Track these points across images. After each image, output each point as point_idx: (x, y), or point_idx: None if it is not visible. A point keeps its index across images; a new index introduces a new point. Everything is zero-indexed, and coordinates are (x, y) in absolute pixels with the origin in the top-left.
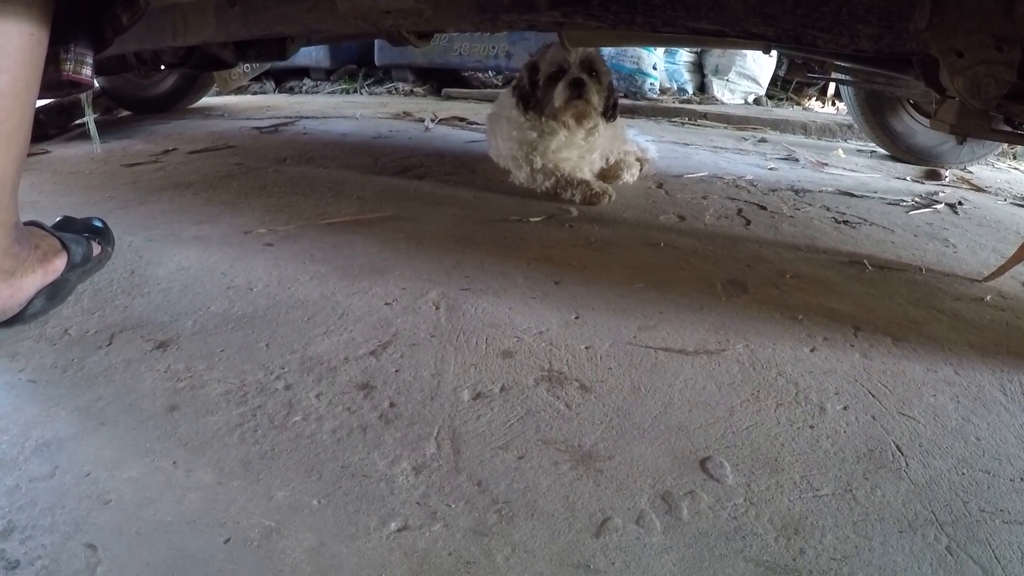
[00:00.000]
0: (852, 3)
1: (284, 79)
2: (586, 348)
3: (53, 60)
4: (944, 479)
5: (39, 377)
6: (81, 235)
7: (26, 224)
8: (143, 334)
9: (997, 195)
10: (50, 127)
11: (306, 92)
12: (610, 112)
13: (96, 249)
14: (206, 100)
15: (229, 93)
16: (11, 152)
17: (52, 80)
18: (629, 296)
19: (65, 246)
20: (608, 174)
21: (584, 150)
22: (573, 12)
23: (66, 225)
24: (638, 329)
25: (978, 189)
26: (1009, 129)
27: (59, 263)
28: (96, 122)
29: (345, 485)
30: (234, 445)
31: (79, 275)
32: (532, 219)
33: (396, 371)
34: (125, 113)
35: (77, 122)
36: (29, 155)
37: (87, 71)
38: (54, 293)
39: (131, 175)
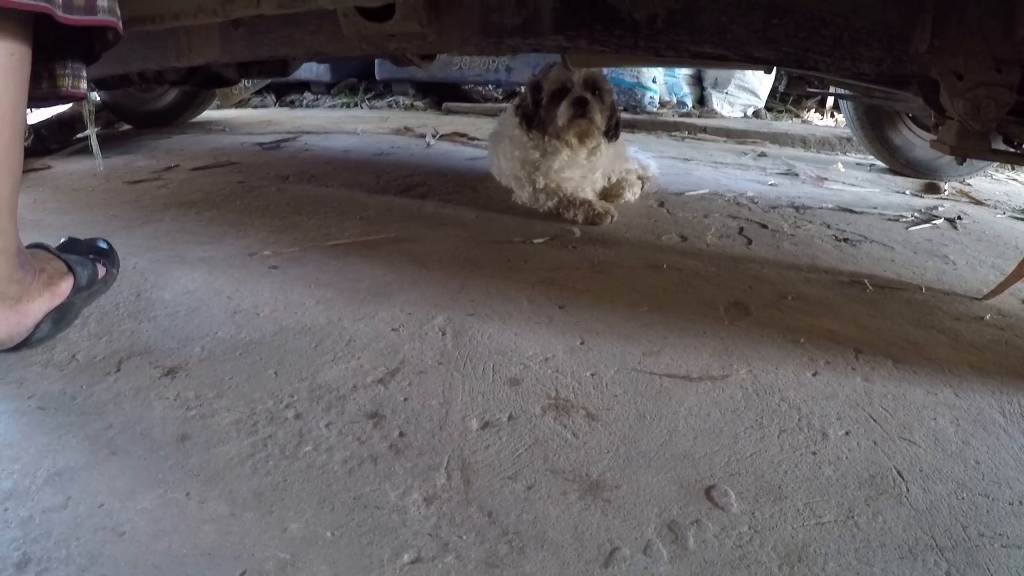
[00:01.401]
0: (853, 27)
1: (285, 92)
2: (592, 375)
3: (49, 76)
4: (944, 504)
5: (48, 404)
6: (86, 257)
7: (31, 247)
8: (151, 360)
9: (996, 208)
10: (51, 141)
11: (307, 106)
12: (612, 131)
13: (102, 271)
14: (207, 114)
15: (230, 107)
16: (4, 176)
17: (49, 94)
18: (633, 320)
19: (71, 268)
20: (610, 193)
21: (586, 169)
22: (577, 36)
23: (71, 246)
24: (643, 355)
25: (977, 202)
26: (1009, 149)
27: (65, 286)
28: (97, 136)
29: (358, 516)
30: (246, 476)
31: (85, 298)
32: (535, 240)
33: (405, 400)
34: (126, 127)
35: (78, 136)
36: (31, 170)
37: (83, 84)
38: (60, 317)
39: (134, 193)
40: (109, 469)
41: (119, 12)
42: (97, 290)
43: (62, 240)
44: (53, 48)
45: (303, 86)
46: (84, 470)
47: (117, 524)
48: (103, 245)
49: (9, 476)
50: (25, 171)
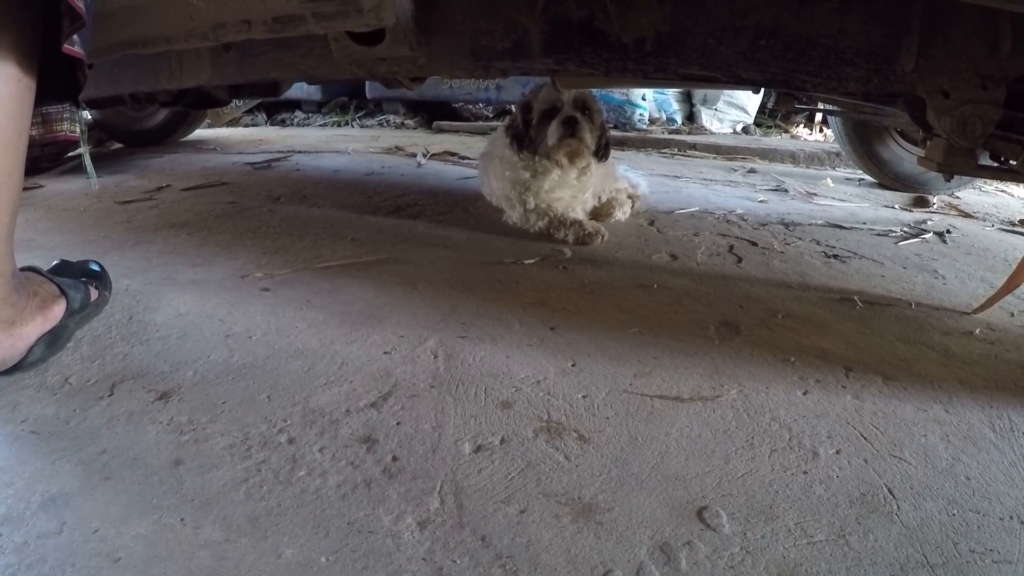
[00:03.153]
0: (840, 47)
1: (276, 111)
2: (583, 397)
3: (43, 120)
4: (935, 521)
5: (41, 428)
6: (79, 280)
7: (24, 270)
8: (144, 384)
9: (985, 221)
10: (43, 160)
11: (297, 124)
12: (602, 151)
13: (94, 294)
14: (198, 133)
15: (221, 126)
16: (4, 199)
17: (44, 140)
18: (624, 341)
19: (63, 292)
20: (600, 213)
21: (577, 189)
22: (566, 59)
23: (63, 269)
24: (634, 376)
25: (966, 215)
26: (995, 164)
27: (58, 310)
28: (89, 155)
29: (352, 542)
30: (240, 501)
31: (78, 321)
32: (526, 261)
33: (397, 424)
34: (117, 146)
35: (70, 155)
36: (23, 189)
37: (77, 127)
38: (53, 340)
39: (125, 213)
40: (104, 494)
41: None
42: (90, 313)
43: (54, 263)
44: (48, 92)
45: (294, 105)
46: (78, 495)
47: (112, 550)
48: (95, 268)
49: (3, 501)
50: None
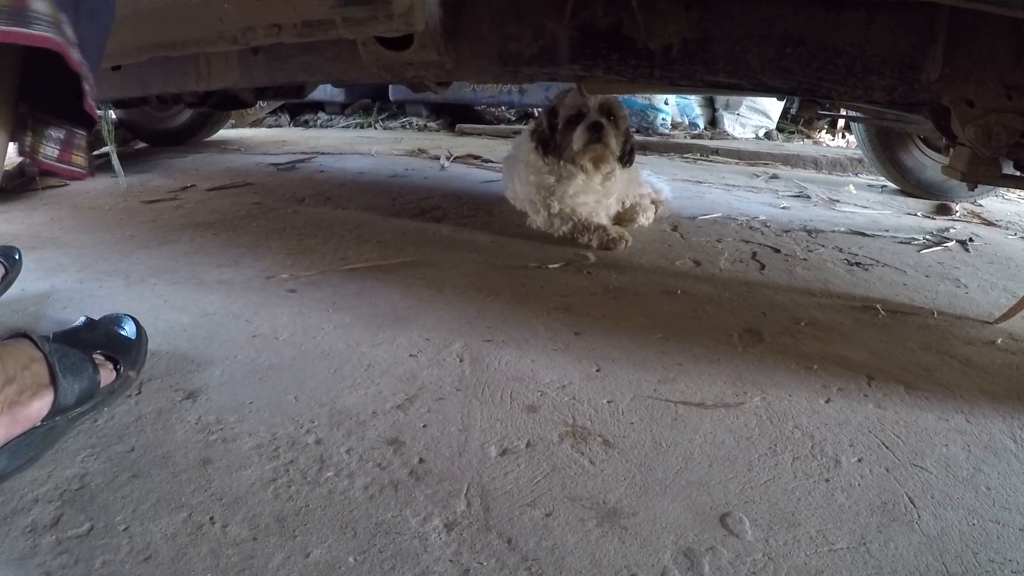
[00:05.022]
0: (866, 56)
1: (299, 112)
2: (608, 402)
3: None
4: (955, 530)
5: (70, 426)
6: (88, 357)
7: (12, 338)
8: (172, 383)
9: (1007, 229)
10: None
11: (321, 126)
12: (627, 157)
13: (108, 377)
14: (222, 133)
15: (245, 126)
16: None
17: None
18: (648, 347)
19: (55, 380)
20: (624, 218)
21: (601, 195)
22: (593, 66)
23: (82, 335)
24: (658, 382)
25: (988, 223)
26: (1020, 174)
27: (38, 407)
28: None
29: (379, 543)
30: (268, 501)
31: (71, 419)
32: (551, 265)
33: (424, 426)
34: (141, 145)
35: (96, 153)
36: (49, 188)
37: (82, 160)
38: (21, 449)
39: (151, 212)
40: (132, 492)
41: (70, 35)
42: (99, 402)
43: (78, 322)
44: (55, 114)
45: (317, 106)
46: (107, 493)
47: (141, 548)
48: (127, 332)
49: (34, 500)
50: (43, 188)
